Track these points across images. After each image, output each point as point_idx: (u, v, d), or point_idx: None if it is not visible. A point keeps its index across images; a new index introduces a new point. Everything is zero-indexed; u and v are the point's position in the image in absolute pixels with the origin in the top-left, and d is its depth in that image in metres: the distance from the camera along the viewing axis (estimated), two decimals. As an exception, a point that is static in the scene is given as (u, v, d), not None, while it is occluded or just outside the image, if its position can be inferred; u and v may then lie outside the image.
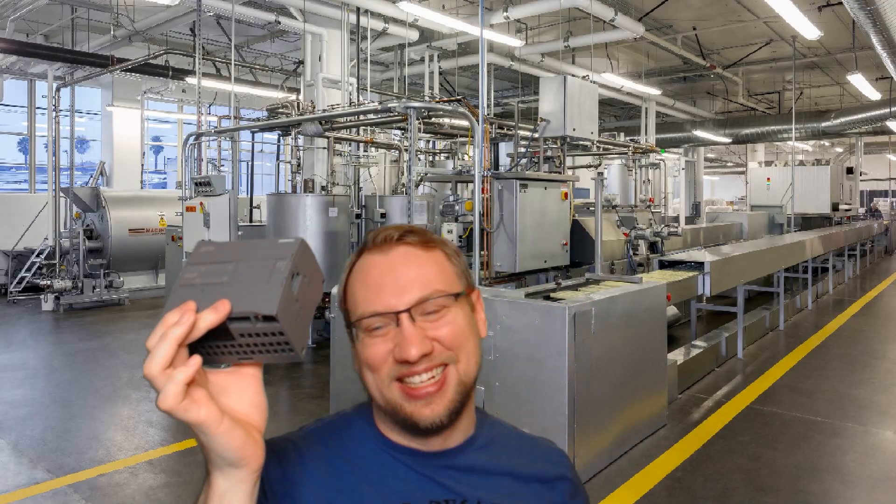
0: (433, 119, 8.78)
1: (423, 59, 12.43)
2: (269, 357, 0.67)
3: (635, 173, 10.03)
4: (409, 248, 0.85)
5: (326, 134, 8.08)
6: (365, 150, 9.31)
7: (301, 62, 10.82)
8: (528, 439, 0.97)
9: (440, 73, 13.10)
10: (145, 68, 11.34)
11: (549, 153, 7.27)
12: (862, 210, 21.28)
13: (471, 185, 6.62)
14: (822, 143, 27.16)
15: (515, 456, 0.92)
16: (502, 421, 0.97)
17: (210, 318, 0.62)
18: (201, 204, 7.05)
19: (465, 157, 9.33)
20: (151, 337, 0.62)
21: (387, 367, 0.81)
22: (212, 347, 0.65)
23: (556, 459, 0.97)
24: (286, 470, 0.82)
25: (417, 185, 8.07)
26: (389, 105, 6.81)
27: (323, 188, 7.98)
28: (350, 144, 9.19)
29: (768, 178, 15.84)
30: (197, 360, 0.62)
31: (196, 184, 7.27)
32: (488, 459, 0.89)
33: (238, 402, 0.69)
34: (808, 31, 9.40)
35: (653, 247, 8.67)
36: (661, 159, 10.63)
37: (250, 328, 0.63)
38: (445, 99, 8.63)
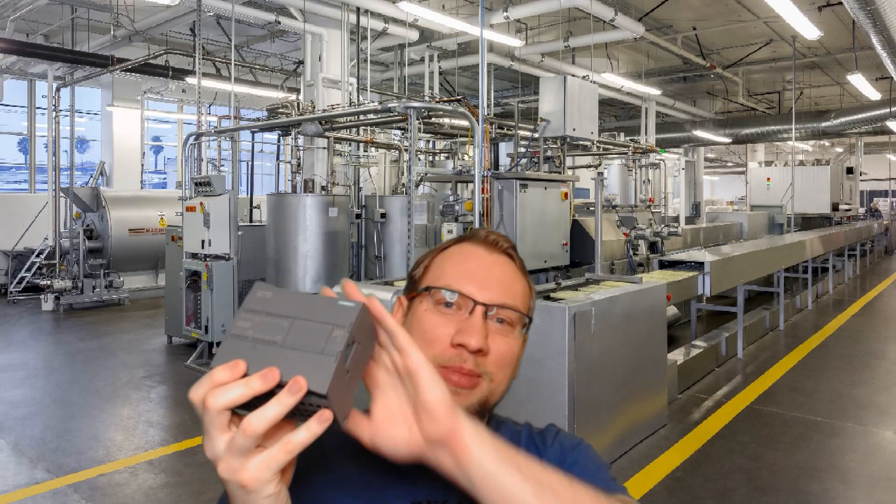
0: (433, 119, 8.78)
1: (423, 59, 12.42)
2: (307, 420, 0.62)
3: (635, 173, 10.02)
4: (510, 260, 0.89)
5: (326, 134, 8.08)
6: (365, 150, 9.30)
7: (301, 62, 10.82)
8: (539, 435, 0.95)
9: (440, 73, 13.10)
10: (145, 68, 11.33)
11: (549, 153, 7.26)
12: (862, 210, 21.28)
13: (471, 185, 6.61)
14: (822, 143, 27.15)
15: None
16: (516, 424, 0.96)
17: (256, 387, 0.58)
18: (201, 204, 7.04)
19: (465, 157, 9.33)
20: (197, 388, 0.60)
21: (440, 348, 0.81)
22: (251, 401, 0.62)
23: (568, 444, 0.92)
24: None
25: (417, 185, 8.07)
26: (389, 105, 6.80)
27: (323, 188, 7.98)
28: (350, 144, 9.18)
29: (768, 178, 15.85)
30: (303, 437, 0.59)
31: (196, 184, 7.26)
32: None
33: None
34: (808, 31, 9.40)
35: (653, 247, 8.67)
36: (661, 159, 10.62)
37: None
38: (445, 99, 8.63)
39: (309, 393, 0.59)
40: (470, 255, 0.88)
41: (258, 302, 0.64)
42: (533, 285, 0.93)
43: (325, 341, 0.60)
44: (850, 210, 16.95)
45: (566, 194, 7.10)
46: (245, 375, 0.59)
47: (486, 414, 0.86)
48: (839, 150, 29.06)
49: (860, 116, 15.66)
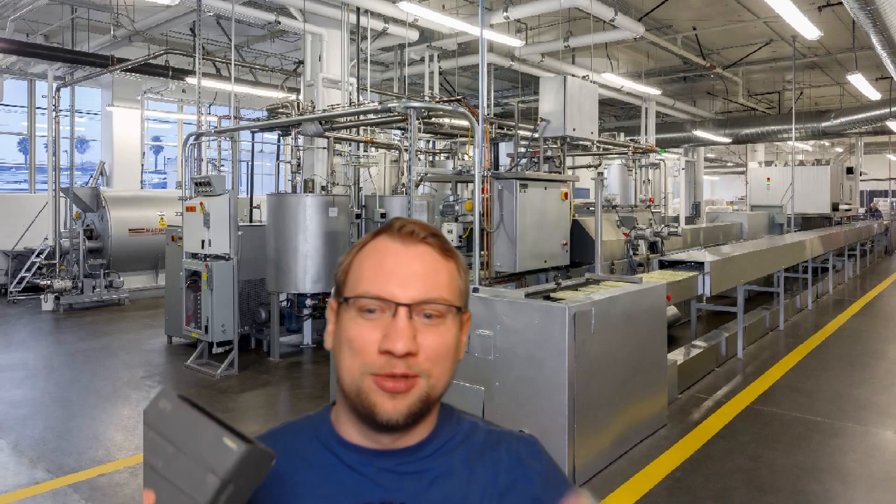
0: (433, 119, 8.76)
1: (423, 59, 12.42)
2: None
3: (635, 173, 10.03)
4: (430, 248, 0.86)
5: (326, 134, 8.07)
6: (365, 150, 9.30)
7: (301, 62, 10.82)
8: (494, 437, 0.93)
9: (440, 73, 13.10)
10: (145, 68, 11.33)
11: (549, 153, 7.26)
12: (862, 210, 21.27)
13: (471, 185, 6.62)
14: (822, 143, 27.15)
15: (473, 456, 0.89)
16: (474, 419, 0.95)
17: None
18: (201, 204, 7.04)
19: (465, 157, 9.33)
20: None
21: (368, 357, 0.81)
22: None
23: (525, 452, 0.93)
24: None
25: (417, 185, 8.06)
26: (389, 105, 6.80)
27: (323, 188, 7.98)
28: (350, 144, 9.18)
29: (768, 178, 15.84)
30: None
31: (196, 184, 7.26)
32: (438, 462, 0.87)
33: None
34: (808, 31, 9.40)
35: (653, 247, 8.67)
36: (661, 159, 10.62)
37: None
38: (445, 99, 8.62)
39: None
40: (387, 252, 0.85)
41: (157, 415, 0.68)
42: (462, 263, 0.90)
43: (198, 485, 0.64)
44: (850, 210, 16.95)
45: (566, 194, 7.10)
46: None
47: (430, 408, 0.85)
48: (839, 150, 29.06)
49: (860, 116, 15.67)
